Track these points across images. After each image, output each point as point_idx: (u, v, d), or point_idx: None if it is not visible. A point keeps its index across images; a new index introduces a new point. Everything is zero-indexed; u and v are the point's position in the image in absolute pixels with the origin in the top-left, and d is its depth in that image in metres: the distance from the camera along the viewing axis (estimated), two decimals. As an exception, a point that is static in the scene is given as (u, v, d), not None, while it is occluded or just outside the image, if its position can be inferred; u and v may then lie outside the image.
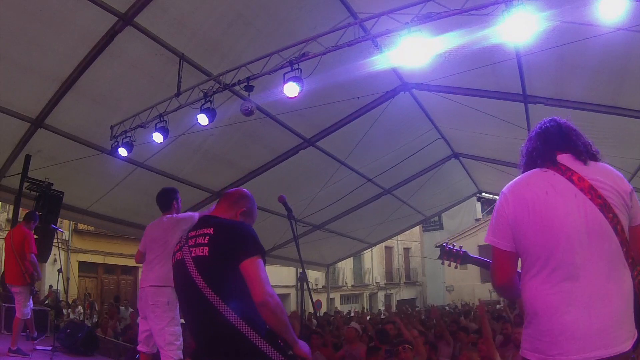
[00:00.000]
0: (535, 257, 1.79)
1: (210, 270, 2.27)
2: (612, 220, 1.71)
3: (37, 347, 6.68)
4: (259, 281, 2.23)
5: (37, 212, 7.14)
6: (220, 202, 2.64)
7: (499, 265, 1.93)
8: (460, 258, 2.50)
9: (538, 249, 1.78)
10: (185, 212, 4.76)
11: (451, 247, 2.52)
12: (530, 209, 1.80)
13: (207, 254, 2.28)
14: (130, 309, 12.34)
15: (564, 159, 1.88)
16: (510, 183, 1.94)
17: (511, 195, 1.90)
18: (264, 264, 2.34)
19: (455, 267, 2.55)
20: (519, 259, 1.92)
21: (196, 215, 4.20)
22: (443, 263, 2.53)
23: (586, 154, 1.89)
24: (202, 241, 2.33)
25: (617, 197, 1.76)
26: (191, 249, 2.35)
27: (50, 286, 14.90)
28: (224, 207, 2.58)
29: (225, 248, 2.29)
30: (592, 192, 1.75)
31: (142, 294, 4.29)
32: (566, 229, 1.73)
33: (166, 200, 4.52)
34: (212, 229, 2.37)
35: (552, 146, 1.93)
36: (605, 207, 1.73)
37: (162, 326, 4.06)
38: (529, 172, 1.93)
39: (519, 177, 1.95)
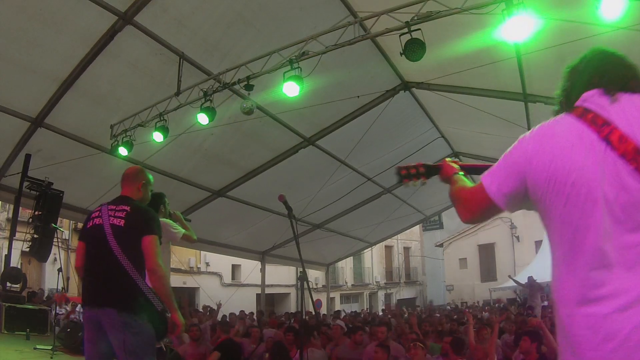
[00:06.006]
0: (559, 233, 1.36)
1: (123, 237, 2.95)
2: None
3: (37, 347, 6.69)
4: (152, 254, 2.92)
5: None
6: (124, 183, 3.31)
7: (477, 204, 1.55)
8: (424, 174, 2.08)
9: (561, 223, 1.34)
10: (185, 211, 4.81)
11: (406, 167, 2.07)
12: (552, 167, 1.34)
13: (122, 225, 2.99)
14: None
15: (591, 97, 1.40)
16: (534, 128, 1.46)
17: (533, 141, 1.42)
18: (160, 242, 3.04)
19: (422, 184, 2.13)
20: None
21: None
22: (407, 184, 2.12)
23: (625, 86, 1.40)
24: (120, 215, 3.04)
25: None
26: (110, 218, 3.04)
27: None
28: (127, 186, 3.29)
29: (136, 224, 2.99)
30: (637, 159, 1.26)
31: None
32: (594, 200, 1.28)
33: (154, 204, 4.69)
34: (129, 207, 3.08)
35: (586, 81, 1.46)
36: None
37: None
38: (557, 116, 1.46)
39: (546, 121, 1.47)
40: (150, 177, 3.41)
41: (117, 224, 2.98)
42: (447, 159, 1.87)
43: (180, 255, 17.65)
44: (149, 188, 3.35)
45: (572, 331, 1.31)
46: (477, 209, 1.56)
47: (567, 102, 1.51)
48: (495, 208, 1.50)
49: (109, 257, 2.89)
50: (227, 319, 10.39)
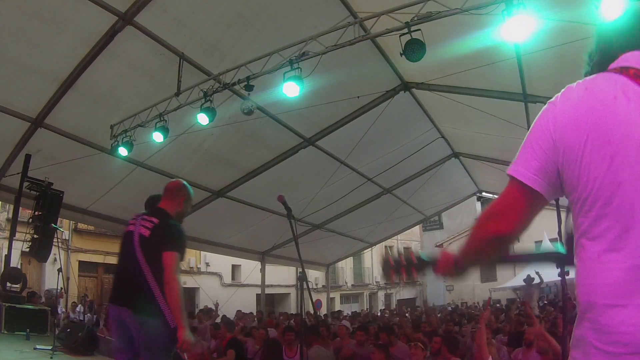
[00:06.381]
0: (601, 204, 1.09)
1: (146, 246, 3.15)
2: None
3: (37, 347, 6.68)
4: (170, 268, 3.06)
5: None
6: (165, 195, 3.46)
7: (513, 205, 1.22)
8: (415, 268, 1.58)
9: (599, 189, 1.09)
10: None
11: (396, 259, 1.59)
12: (589, 121, 1.12)
13: (148, 236, 3.19)
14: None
15: (632, 58, 1.20)
16: (562, 90, 1.26)
17: (562, 101, 1.20)
18: (182, 257, 3.19)
19: (416, 280, 1.56)
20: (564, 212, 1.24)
21: None
22: (396, 281, 1.64)
23: None
24: (148, 225, 3.23)
25: None
26: (140, 227, 3.24)
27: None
28: (168, 199, 3.43)
29: (160, 237, 3.16)
30: None
31: None
32: None
33: (154, 205, 4.75)
34: (158, 220, 3.25)
35: (633, 43, 1.22)
36: None
37: None
38: (590, 76, 1.25)
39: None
40: (191, 191, 3.55)
41: (144, 234, 3.21)
42: (445, 246, 1.51)
43: (180, 256, 17.61)
44: (189, 203, 3.51)
45: (613, 330, 1.03)
46: (514, 208, 1.22)
47: (601, 64, 1.28)
48: (535, 197, 1.19)
49: (133, 263, 3.12)
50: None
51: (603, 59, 1.27)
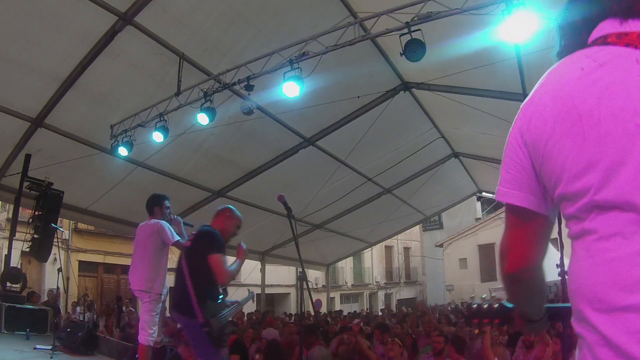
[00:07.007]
0: (581, 191, 0.91)
1: (189, 257, 3.67)
2: None
3: (37, 347, 6.68)
4: (219, 270, 3.53)
5: None
6: (214, 215, 3.96)
7: (512, 236, 1.07)
8: (500, 313, 1.52)
9: (579, 174, 0.90)
10: (185, 211, 4.94)
11: (479, 304, 1.59)
12: (555, 103, 0.95)
13: (189, 246, 3.72)
14: (131, 308, 12.36)
15: (608, 27, 0.99)
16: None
17: (527, 103, 1.03)
18: (224, 255, 3.61)
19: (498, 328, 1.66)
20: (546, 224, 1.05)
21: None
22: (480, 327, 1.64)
23: None
24: (192, 238, 3.78)
25: None
26: (189, 242, 3.79)
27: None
28: (214, 218, 3.95)
29: (198, 246, 3.66)
30: None
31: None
32: (633, 128, 0.85)
33: (149, 205, 5.01)
34: (198, 232, 3.79)
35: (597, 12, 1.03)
36: None
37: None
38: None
39: None
40: (237, 212, 4.03)
41: (188, 245, 3.75)
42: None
43: (180, 255, 17.62)
44: (233, 222, 3.95)
45: (613, 340, 0.82)
46: (514, 239, 1.07)
47: (576, 40, 1.06)
48: (524, 215, 1.04)
49: (180, 273, 3.64)
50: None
51: (577, 39, 1.07)
